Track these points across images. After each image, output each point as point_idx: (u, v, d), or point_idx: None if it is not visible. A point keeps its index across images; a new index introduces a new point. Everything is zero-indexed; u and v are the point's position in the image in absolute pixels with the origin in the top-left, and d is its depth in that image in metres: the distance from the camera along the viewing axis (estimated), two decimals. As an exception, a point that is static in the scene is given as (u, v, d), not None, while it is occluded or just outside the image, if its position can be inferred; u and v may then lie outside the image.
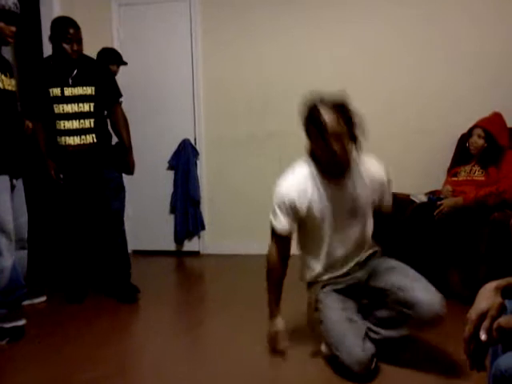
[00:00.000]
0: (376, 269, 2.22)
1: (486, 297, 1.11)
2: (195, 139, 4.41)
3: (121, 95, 3.25)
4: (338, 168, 2.13)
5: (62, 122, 3.02)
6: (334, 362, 2.12)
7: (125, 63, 3.95)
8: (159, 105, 4.39)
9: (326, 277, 2.26)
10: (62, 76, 3.02)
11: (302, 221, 2.20)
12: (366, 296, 2.26)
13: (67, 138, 3.03)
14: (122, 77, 4.37)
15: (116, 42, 4.35)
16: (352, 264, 2.25)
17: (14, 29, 2.60)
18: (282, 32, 4.16)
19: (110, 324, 2.86)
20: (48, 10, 4.10)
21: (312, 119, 2.05)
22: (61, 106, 3.01)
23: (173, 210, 4.47)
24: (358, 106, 4.45)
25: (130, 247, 4.46)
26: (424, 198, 3.22)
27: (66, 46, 2.96)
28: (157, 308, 3.02)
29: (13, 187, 2.66)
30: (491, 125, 3.15)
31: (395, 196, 3.44)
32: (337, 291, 2.23)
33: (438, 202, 3.01)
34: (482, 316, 1.07)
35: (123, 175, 3.32)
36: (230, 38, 4.27)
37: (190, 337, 2.68)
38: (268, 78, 4.20)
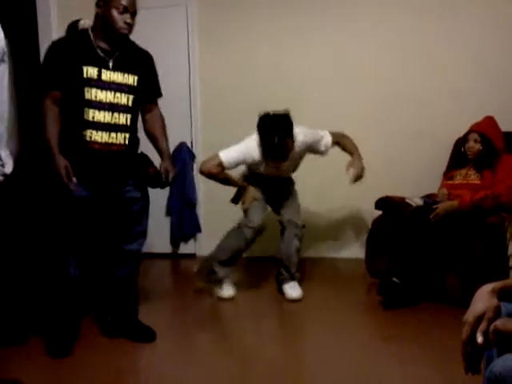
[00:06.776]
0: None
1: (483, 299, 1.11)
2: (192, 142, 4.42)
3: (161, 93, 2.77)
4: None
5: (91, 111, 2.37)
6: None
7: None
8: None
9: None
10: (102, 55, 2.40)
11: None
12: None
13: (94, 132, 2.38)
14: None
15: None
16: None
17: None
18: (280, 36, 4.16)
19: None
20: (45, 17, 4.12)
21: (265, 138, 3.00)
22: (94, 90, 2.36)
23: (168, 212, 4.47)
24: (355, 110, 4.43)
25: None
26: (420, 202, 3.23)
27: (116, 15, 2.31)
28: (152, 312, 3.00)
29: None
30: (486, 129, 3.16)
31: (391, 199, 3.48)
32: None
33: (434, 206, 3.02)
34: (479, 318, 1.08)
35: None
36: (227, 43, 4.27)
37: (186, 340, 2.68)
38: (265, 82, 4.20)
